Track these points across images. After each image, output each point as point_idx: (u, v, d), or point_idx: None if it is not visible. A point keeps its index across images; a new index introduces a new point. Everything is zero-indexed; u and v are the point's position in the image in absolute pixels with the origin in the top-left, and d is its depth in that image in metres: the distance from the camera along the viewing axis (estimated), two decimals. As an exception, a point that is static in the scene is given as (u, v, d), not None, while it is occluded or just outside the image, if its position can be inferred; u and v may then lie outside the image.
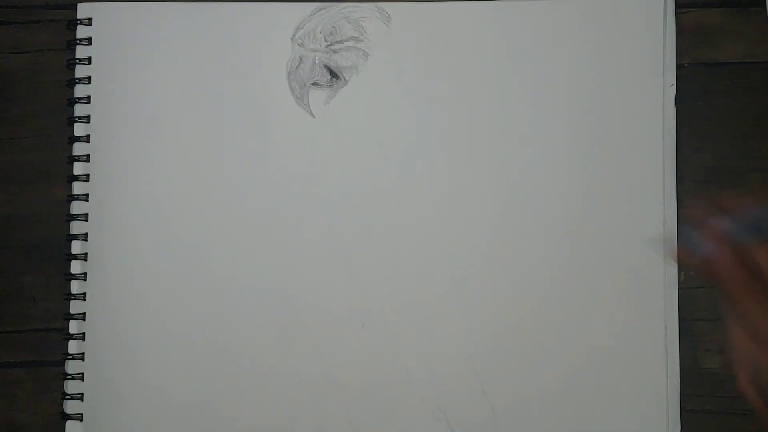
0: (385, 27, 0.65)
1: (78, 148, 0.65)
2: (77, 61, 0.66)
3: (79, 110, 0.65)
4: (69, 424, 0.64)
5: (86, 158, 0.65)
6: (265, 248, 0.64)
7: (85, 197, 0.65)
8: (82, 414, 0.64)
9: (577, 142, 0.63)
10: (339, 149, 0.65)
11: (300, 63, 0.65)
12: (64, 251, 0.65)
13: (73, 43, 0.66)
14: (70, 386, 0.64)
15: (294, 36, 0.65)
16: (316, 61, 0.65)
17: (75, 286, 0.65)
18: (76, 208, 0.65)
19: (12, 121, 0.66)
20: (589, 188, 0.64)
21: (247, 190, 0.65)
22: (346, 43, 0.65)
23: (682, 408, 0.63)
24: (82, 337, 0.64)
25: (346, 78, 0.65)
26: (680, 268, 0.62)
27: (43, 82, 0.66)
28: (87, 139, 0.65)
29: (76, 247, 0.65)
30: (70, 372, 0.64)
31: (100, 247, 0.65)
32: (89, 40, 0.66)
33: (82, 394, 0.64)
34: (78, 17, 0.66)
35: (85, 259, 0.65)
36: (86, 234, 0.65)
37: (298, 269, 0.64)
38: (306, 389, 0.64)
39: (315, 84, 0.65)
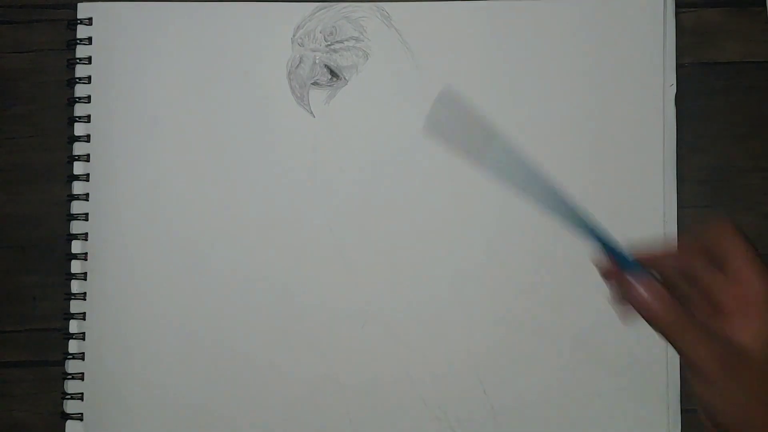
0: (385, 27, 0.65)
1: (78, 148, 0.65)
2: (77, 60, 0.66)
3: (79, 110, 0.65)
4: (69, 423, 0.64)
5: (86, 158, 0.65)
6: (265, 248, 0.64)
7: (85, 197, 0.65)
8: (82, 414, 0.64)
9: (577, 142, 0.63)
10: (339, 149, 0.65)
11: (300, 63, 0.65)
12: (64, 251, 0.65)
13: (73, 42, 0.66)
14: (70, 386, 0.64)
15: (294, 36, 0.65)
16: (317, 61, 0.65)
17: (75, 286, 0.65)
18: (76, 207, 0.65)
19: (12, 121, 0.66)
20: (589, 188, 0.64)
21: (247, 190, 0.65)
22: (346, 43, 0.65)
23: (682, 408, 0.63)
24: (82, 336, 0.64)
25: (347, 78, 0.65)
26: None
27: (43, 82, 0.66)
28: (87, 138, 0.65)
29: (76, 246, 0.65)
30: (70, 372, 0.64)
31: (100, 246, 0.65)
32: (89, 40, 0.66)
33: (82, 393, 0.64)
34: (78, 17, 0.66)
35: (85, 259, 0.65)
36: (86, 234, 0.65)
37: (298, 269, 0.64)
38: (306, 389, 0.64)
39: (315, 84, 0.65)
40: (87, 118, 0.65)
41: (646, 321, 0.45)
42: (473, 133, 0.49)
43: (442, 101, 0.49)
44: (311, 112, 0.65)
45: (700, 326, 0.44)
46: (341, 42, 0.65)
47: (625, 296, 0.46)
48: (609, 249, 0.47)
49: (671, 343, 0.44)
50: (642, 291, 0.45)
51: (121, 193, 0.65)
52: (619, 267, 0.46)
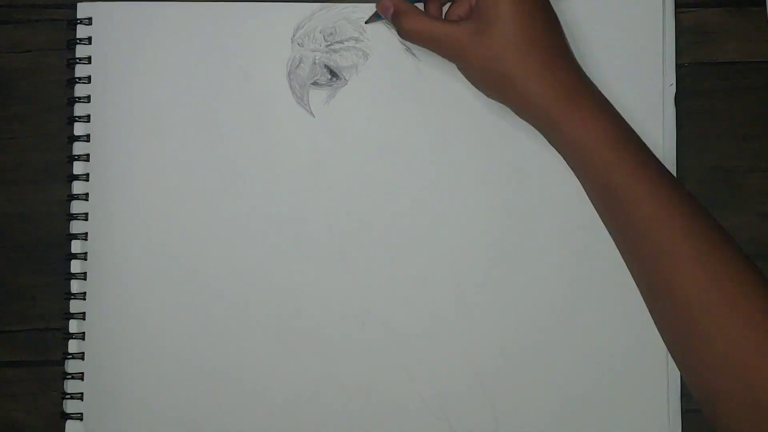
0: (385, 27, 0.65)
1: (78, 148, 0.65)
2: (77, 60, 0.66)
3: (79, 109, 0.65)
4: (69, 423, 0.64)
5: (86, 157, 0.65)
6: (265, 247, 0.64)
7: (85, 197, 0.65)
8: (82, 413, 0.64)
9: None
10: (339, 149, 0.65)
11: (300, 63, 0.65)
12: (64, 251, 0.65)
13: (73, 42, 0.66)
14: (70, 386, 0.64)
15: (294, 36, 0.65)
16: (316, 61, 0.65)
17: (75, 286, 0.65)
18: (76, 207, 0.65)
19: (12, 120, 0.66)
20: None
21: (246, 190, 0.65)
22: (346, 43, 0.65)
23: (683, 407, 0.63)
24: (82, 336, 0.64)
25: (346, 78, 0.65)
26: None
27: (43, 81, 0.66)
28: (87, 138, 0.65)
29: (76, 246, 0.65)
30: (69, 371, 0.64)
31: (100, 246, 0.65)
32: (89, 40, 0.66)
33: (82, 393, 0.64)
34: (78, 17, 0.66)
35: (85, 259, 0.64)
36: (86, 233, 0.65)
37: (298, 269, 0.64)
38: (306, 389, 0.64)
39: (315, 84, 0.65)
40: (87, 118, 0.65)
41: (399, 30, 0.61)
42: None
43: None
44: (311, 112, 0.65)
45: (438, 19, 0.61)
46: (341, 42, 0.65)
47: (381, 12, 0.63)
48: None
49: (424, 45, 0.61)
50: (383, 2, 0.62)
51: (120, 192, 0.65)
52: None
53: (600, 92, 0.59)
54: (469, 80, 0.61)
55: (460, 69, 0.61)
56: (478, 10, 0.59)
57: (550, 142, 0.60)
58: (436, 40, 0.60)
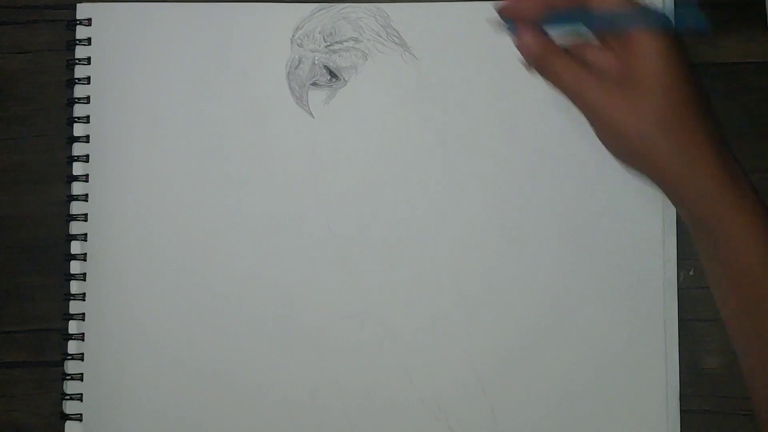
0: (384, 30, 0.65)
1: (77, 149, 0.65)
2: (77, 61, 0.66)
3: (79, 110, 0.65)
4: (68, 424, 0.64)
5: (86, 158, 0.65)
6: (264, 248, 0.64)
7: (85, 197, 0.65)
8: (81, 414, 0.64)
9: (577, 142, 0.63)
10: (338, 149, 0.65)
11: (299, 63, 0.65)
12: (63, 251, 0.65)
13: (73, 43, 0.66)
14: (70, 386, 0.64)
15: (293, 36, 0.65)
16: (316, 62, 0.65)
17: (74, 287, 0.65)
18: (76, 208, 0.65)
19: (12, 121, 0.66)
20: (589, 188, 0.64)
21: (246, 190, 0.65)
22: (345, 44, 0.65)
23: (681, 408, 0.63)
24: (81, 337, 0.64)
25: (345, 78, 0.65)
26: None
27: (42, 82, 0.66)
28: (86, 139, 0.65)
29: (75, 247, 0.65)
30: (69, 372, 0.64)
31: (99, 247, 0.65)
32: (89, 41, 0.66)
33: (81, 394, 0.64)
34: (77, 17, 0.66)
35: (85, 260, 0.65)
36: (86, 234, 0.65)
37: (298, 269, 0.64)
38: (305, 389, 0.64)
39: (314, 84, 0.65)
40: (86, 119, 0.65)
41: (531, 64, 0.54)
42: None
43: None
44: (310, 113, 0.65)
45: (576, 64, 0.52)
46: (340, 43, 0.65)
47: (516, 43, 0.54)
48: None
49: (556, 85, 0.53)
50: (526, 37, 0.54)
51: (120, 193, 0.65)
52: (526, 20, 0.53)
53: (750, 181, 0.53)
54: (603, 143, 0.53)
55: (593, 129, 0.54)
56: (631, 72, 0.51)
57: (693, 228, 0.54)
58: (580, 97, 0.53)
